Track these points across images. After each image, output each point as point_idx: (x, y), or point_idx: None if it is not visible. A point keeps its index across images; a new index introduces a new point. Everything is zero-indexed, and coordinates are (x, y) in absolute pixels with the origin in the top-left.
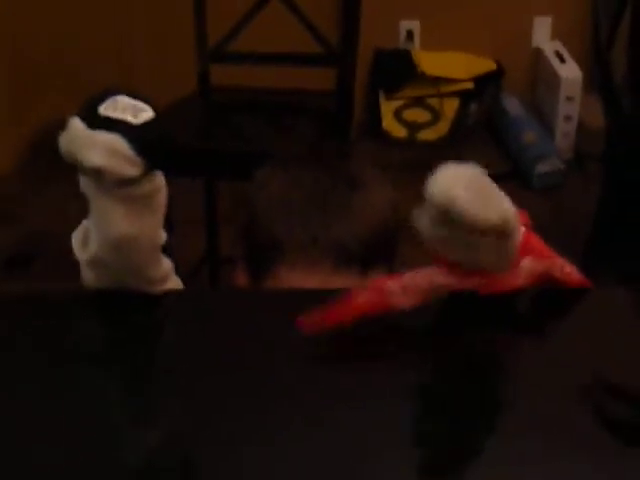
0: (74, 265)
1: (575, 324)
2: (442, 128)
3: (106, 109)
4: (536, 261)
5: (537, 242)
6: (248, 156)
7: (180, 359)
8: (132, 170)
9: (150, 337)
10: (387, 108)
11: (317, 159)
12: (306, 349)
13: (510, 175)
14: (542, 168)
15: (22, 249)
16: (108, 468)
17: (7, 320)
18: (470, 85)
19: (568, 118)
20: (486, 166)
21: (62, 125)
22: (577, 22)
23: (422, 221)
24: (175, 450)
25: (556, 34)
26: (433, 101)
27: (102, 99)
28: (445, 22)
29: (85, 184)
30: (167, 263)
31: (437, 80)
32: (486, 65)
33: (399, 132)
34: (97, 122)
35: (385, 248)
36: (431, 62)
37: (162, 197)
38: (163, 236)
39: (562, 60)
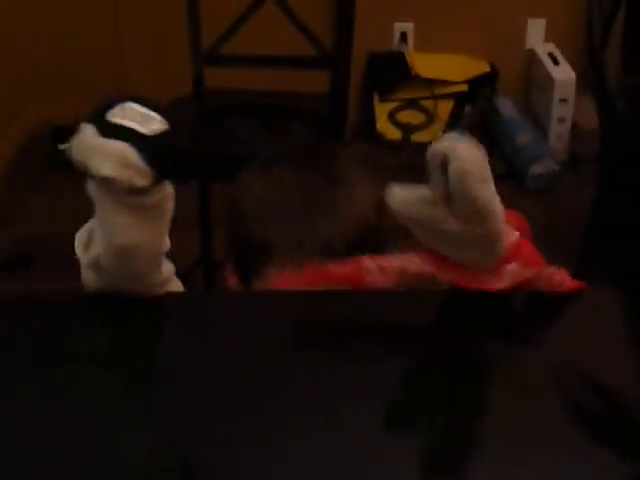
0: (73, 266)
1: (565, 325)
2: (436, 130)
3: (116, 116)
4: (523, 267)
5: (529, 250)
6: (242, 159)
7: (179, 360)
8: (142, 180)
9: (149, 339)
10: (381, 110)
11: (302, 159)
12: (304, 350)
13: (504, 177)
14: (536, 170)
15: (21, 250)
16: (108, 468)
17: (7, 320)
18: (464, 87)
19: (562, 120)
20: None
21: (59, 127)
22: (570, 24)
23: (397, 197)
24: (174, 450)
25: (550, 36)
26: (427, 103)
27: (111, 105)
28: (439, 24)
29: (93, 189)
30: (168, 267)
31: (431, 82)
32: (480, 67)
33: (393, 134)
34: (108, 129)
35: (370, 246)
36: (425, 64)
37: (170, 206)
38: (167, 243)
39: (556, 62)
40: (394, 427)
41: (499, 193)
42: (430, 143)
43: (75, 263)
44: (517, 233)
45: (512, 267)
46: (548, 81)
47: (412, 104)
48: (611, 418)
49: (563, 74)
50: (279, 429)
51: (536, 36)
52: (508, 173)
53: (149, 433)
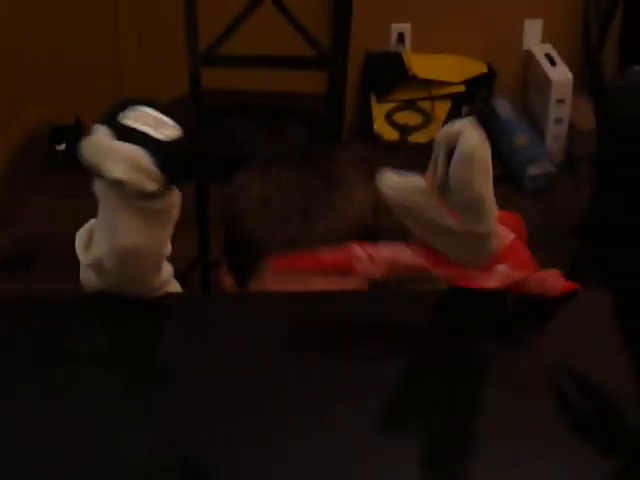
0: (73, 266)
1: (559, 326)
2: (433, 131)
3: (130, 119)
4: (513, 270)
5: (522, 253)
6: (239, 159)
7: (179, 361)
8: (153, 185)
9: (149, 339)
10: (378, 111)
11: (299, 160)
12: (302, 350)
13: (501, 178)
14: (533, 171)
15: (21, 250)
16: (108, 468)
17: (7, 320)
18: (461, 88)
19: (559, 120)
20: None
21: (56, 128)
22: (567, 25)
23: (389, 182)
24: (174, 450)
25: (547, 37)
26: (424, 104)
27: (124, 108)
28: (436, 25)
29: (101, 190)
30: (167, 269)
31: (428, 83)
32: (477, 68)
33: (390, 135)
34: (122, 132)
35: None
36: (422, 65)
37: (176, 211)
38: (169, 247)
39: (553, 63)
40: (391, 427)
41: (496, 194)
42: (428, 144)
43: (75, 263)
44: (513, 235)
45: (502, 268)
46: (545, 82)
47: (409, 105)
48: (604, 418)
49: (560, 75)
50: (279, 429)
51: (533, 37)
52: (505, 174)
53: (149, 433)
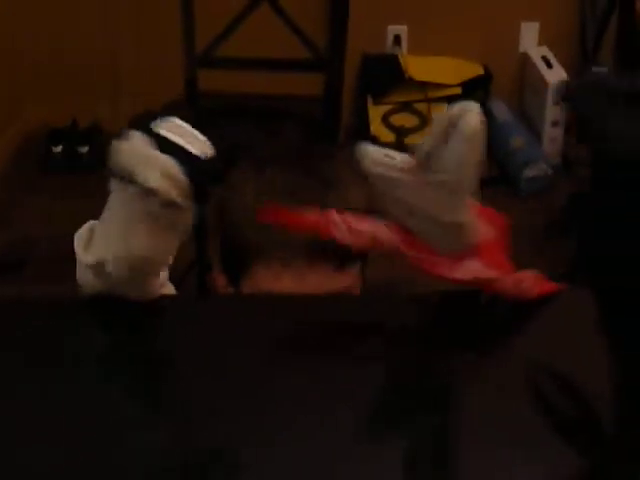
0: (67, 269)
1: (539, 326)
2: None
3: (163, 128)
4: (486, 267)
5: (498, 252)
6: (235, 161)
7: (178, 361)
8: (181, 197)
9: (149, 339)
10: (375, 113)
11: (295, 161)
12: (300, 351)
13: (498, 180)
14: (530, 173)
15: (14, 253)
16: (108, 468)
17: (4, 322)
18: (458, 90)
19: (555, 123)
20: None
21: (53, 130)
22: (564, 27)
23: (368, 152)
24: (174, 450)
25: (543, 39)
26: (421, 106)
27: (154, 117)
28: (432, 27)
29: (119, 194)
30: (163, 273)
31: (425, 85)
32: (474, 70)
33: (387, 137)
34: (161, 142)
35: None
36: (419, 67)
37: (189, 224)
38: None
39: (549, 65)
40: (390, 427)
41: (492, 197)
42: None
43: (71, 265)
44: (493, 233)
45: (474, 264)
46: (541, 84)
47: (406, 107)
48: (584, 419)
49: (556, 77)
50: (279, 430)
51: (530, 39)
52: (501, 176)
53: (149, 433)
